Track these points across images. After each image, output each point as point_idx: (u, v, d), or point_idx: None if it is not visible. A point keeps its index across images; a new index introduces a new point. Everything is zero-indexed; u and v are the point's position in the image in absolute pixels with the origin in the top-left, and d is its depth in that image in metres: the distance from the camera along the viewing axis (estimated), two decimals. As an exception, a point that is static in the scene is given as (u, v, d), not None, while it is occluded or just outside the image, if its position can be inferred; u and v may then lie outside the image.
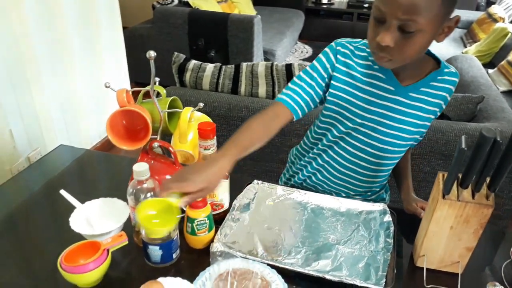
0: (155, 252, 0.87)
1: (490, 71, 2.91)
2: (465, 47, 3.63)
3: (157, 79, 1.03)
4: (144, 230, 0.86)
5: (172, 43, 3.31)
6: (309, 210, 1.06)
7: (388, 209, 1.05)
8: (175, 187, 0.78)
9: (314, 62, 1.06)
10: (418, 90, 1.00)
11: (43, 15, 2.11)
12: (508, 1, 3.74)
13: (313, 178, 1.21)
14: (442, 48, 3.46)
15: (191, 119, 1.02)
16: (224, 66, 1.96)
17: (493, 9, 3.66)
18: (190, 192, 0.78)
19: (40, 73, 2.14)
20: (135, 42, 3.35)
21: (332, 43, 1.05)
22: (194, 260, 0.93)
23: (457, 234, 0.84)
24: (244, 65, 1.94)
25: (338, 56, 1.03)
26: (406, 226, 1.02)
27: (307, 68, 1.06)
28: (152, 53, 0.91)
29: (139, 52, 3.40)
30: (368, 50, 1.01)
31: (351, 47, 1.03)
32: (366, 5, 4.69)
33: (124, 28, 2.88)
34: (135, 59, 3.20)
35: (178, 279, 0.82)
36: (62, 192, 0.99)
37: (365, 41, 1.02)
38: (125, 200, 0.98)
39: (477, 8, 4.27)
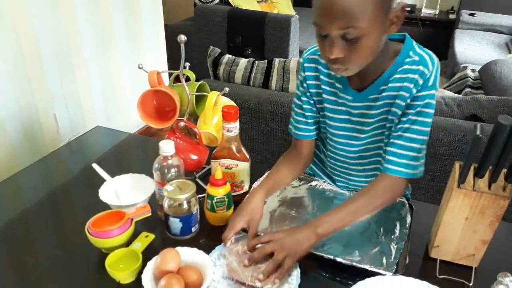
0: (176, 224, 0.93)
1: (535, 78, 2.79)
2: (510, 53, 3.49)
3: (188, 64, 1.09)
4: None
5: (211, 40, 3.40)
6: (327, 197, 1.08)
7: (406, 202, 1.05)
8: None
9: (298, 84, 1.08)
10: (378, 90, 0.94)
11: (92, 9, 2.24)
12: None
13: (336, 177, 1.22)
14: (485, 54, 3.35)
15: (217, 103, 1.07)
16: (257, 61, 2.01)
17: (543, 14, 3.50)
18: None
19: (85, 63, 2.28)
20: (174, 38, 3.46)
21: (301, 59, 1.05)
22: (212, 236, 0.97)
23: (472, 226, 0.84)
24: (276, 60, 1.98)
25: (306, 72, 1.03)
26: (424, 219, 1.02)
27: (296, 92, 1.08)
28: (182, 37, 0.97)
29: (177, 48, 3.52)
30: None
31: (316, 57, 1.01)
32: (408, 8, 4.60)
33: (165, 25, 3.00)
34: (176, 55, 3.31)
35: (195, 249, 0.86)
36: (94, 165, 1.07)
37: None
38: (153, 177, 1.04)
39: (526, 14, 4.10)
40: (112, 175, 1.07)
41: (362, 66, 0.87)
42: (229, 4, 3.57)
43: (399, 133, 0.93)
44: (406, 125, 0.92)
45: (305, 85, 1.04)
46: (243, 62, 2.02)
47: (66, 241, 0.98)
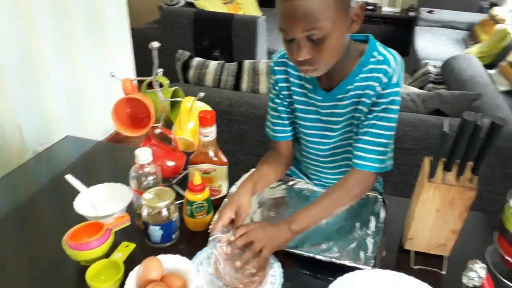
0: (156, 232, 0.92)
1: (491, 71, 2.93)
2: (467, 48, 3.65)
3: (160, 70, 1.08)
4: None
5: (177, 43, 3.37)
6: (303, 196, 1.10)
7: (379, 197, 1.09)
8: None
9: (270, 86, 1.10)
10: (345, 89, 0.97)
11: (53, 14, 2.18)
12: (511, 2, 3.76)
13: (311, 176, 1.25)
14: (444, 50, 3.49)
15: (192, 108, 1.07)
16: (227, 64, 2.01)
17: (495, 10, 3.68)
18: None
19: (49, 70, 2.21)
20: (142, 42, 3.41)
21: (271, 63, 1.07)
22: (192, 242, 0.97)
23: (443, 217, 0.88)
24: (246, 62, 1.99)
25: (277, 76, 1.05)
26: (397, 213, 1.06)
27: (270, 95, 1.10)
28: (154, 44, 0.96)
29: (146, 52, 3.47)
30: None
31: (285, 60, 1.03)
32: (370, 7, 4.72)
33: (131, 29, 2.95)
34: (142, 59, 3.27)
35: (177, 256, 0.86)
36: (68, 177, 1.04)
37: None
38: (128, 185, 1.03)
39: (480, 10, 4.29)
40: (86, 185, 1.05)
41: (330, 65, 0.90)
42: (195, 7, 3.56)
43: (366, 129, 0.96)
44: (372, 122, 0.95)
45: (277, 87, 1.06)
46: (213, 64, 2.02)
47: (39, 259, 0.95)
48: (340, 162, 1.12)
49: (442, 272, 0.90)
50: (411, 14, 4.46)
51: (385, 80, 0.92)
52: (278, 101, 1.07)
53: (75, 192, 1.02)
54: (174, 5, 3.57)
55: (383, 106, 0.94)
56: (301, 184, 1.15)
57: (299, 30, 0.82)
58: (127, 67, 2.95)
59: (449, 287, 0.88)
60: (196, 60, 2.03)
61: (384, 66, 0.93)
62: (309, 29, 0.81)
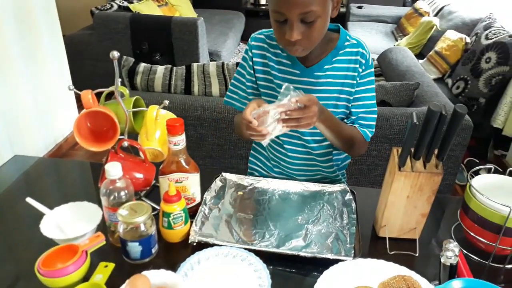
0: (135, 248, 0.89)
1: (421, 61, 3.15)
2: (396, 40, 3.89)
3: (120, 79, 1.04)
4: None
5: (114, 49, 3.21)
6: (277, 196, 1.12)
7: (348, 188, 1.13)
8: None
9: (241, 60, 1.18)
10: (322, 68, 1.08)
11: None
12: (430, -3, 4.06)
13: (274, 169, 1.27)
14: (376, 43, 3.68)
15: (157, 117, 1.04)
16: (175, 68, 1.98)
17: (418, 4, 3.95)
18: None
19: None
20: (74, 49, 3.24)
21: (250, 38, 1.15)
22: (172, 254, 0.95)
23: (413, 202, 0.94)
24: (195, 65, 1.97)
25: (253, 50, 1.13)
26: (365, 202, 1.11)
27: (238, 67, 1.18)
28: (115, 54, 0.92)
29: (79, 60, 3.31)
30: None
31: (263, 37, 1.13)
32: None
33: (63, 36, 2.79)
34: (76, 67, 3.11)
35: (162, 270, 0.84)
36: (29, 199, 0.97)
37: None
38: (94, 202, 0.99)
39: (404, 4, 4.59)
40: (48, 206, 0.99)
41: (315, 45, 1.00)
42: (130, 10, 3.44)
43: (361, 101, 1.11)
44: (362, 101, 1.11)
45: (250, 63, 1.14)
46: (160, 69, 1.97)
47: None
48: (303, 148, 1.18)
49: (416, 255, 0.96)
50: (342, 10, 4.65)
51: (363, 61, 1.07)
52: (248, 76, 1.15)
53: (35, 213, 0.96)
54: (107, 10, 3.43)
55: (367, 86, 1.11)
56: (266, 183, 1.16)
57: (296, 12, 0.90)
58: (63, 77, 2.78)
59: (423, 266, 0.93)
60: (143, 65, 1.97)
61: (360, 49, 1.08)
62: (305, 12, 0.90)
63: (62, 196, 1.16)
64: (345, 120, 1.15)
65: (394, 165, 0.91)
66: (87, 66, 3.35)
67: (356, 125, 1.12)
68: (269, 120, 0.92)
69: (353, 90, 1.10)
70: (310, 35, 0.95)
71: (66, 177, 1.30)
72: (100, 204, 0.96)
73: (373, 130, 1.15)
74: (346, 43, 1.08)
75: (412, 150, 0.89)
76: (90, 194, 1.11)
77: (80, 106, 2.98)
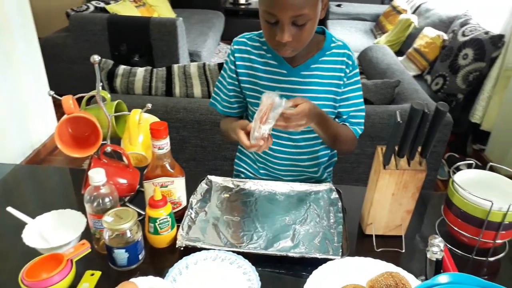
0: (121, 255, 0.87)
1: (400, 58, 3.19)
2: (376, 38, 3.93)
3: (100, 83, 1.02)
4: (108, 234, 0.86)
5: (92, 51, 3.16)
6: (263, 197, 1.12)
7: (333, 187, 1.14)
8: None
9: (224, 65, 1.18)
10: (308, 68, 1.09)
11: None
12: (407, -5, 4.12)
13: (261, 171, 1.27)
14: (356, 41, 3.72)
15: (140, 121, 1.02)
16: (155, 69, 1.95)
17: (396, 2, 4.01)
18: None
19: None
20: (50, 52, 3.18)
21: (232, 43, 1.16)
22: (160, 259, 0.94)
23: (398, 200, 0.95)
24: (175, 67, 1.95)
25: (236, 54, 1.14)
26: (351, 200, 1.11)
27: (222, 71, 1.19)
28: (96, 58, 0.90)
29: (55, 63, 3.24)
30: (261, 39, 1.12)
31: (245, 40, 1.13)
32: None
33: (38, 38, 2.72)
34: (52, 70, 3.04)
35: (150, 277, 0.83)
36: (10, 209, 0.95)
37: (258, 32, 1.12)
38: (76, 209, 0.97)
39: (382, 2, 4.65)
40: (29, 215, 0.96)
41: (303, 46, 1.02)
42: (106, 11, 3.39)
43: (350, 101, 1.14)
44: (351, 101, 1.14)
45: (232, 67, 1.15)
46: (140, 71, 1.95)
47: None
48: (290, 149, 1.19)
49: (402, 251, 0.97)
50: (321, 8, 4.68)
51: (349, 62, 1.10)
52: (229, 80, 1.16)
53: (17, 222, 0.93)
54: (83, 11, 3.37)
55: (356, 85, 1.14)
56: (253, 185, 1.16)
57: (288, 15, 0.91)
58: (40, 81, 2.72)
59: (409, 262, 0.95)
60: (122, 68, 1.95)
61: (346, 51, 1.10)
62: (297, 15, 0.91)
63: (42, 204, 1.13)
64: (336, 119, 1.17)
65: (379, 163, 0.92)
66: (64, 69, 3.28)
67: (347, 124, 1.16)
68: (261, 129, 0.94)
69: (340, 90, 1.12)
70: (300, 37, 0.96)
71: (45, 184, 1.27)
72: (83, 211, 0.94)
73: (363, 127, 1.18)
74: (332, 45, 1.10)
75: (396, 148, 0.90)
76: (71, 201, 1.09)
77: (58, 110, 2.93)
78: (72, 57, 3.23)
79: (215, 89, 1.22)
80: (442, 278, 0.68)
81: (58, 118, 2.90)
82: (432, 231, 1.04)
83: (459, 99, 2.70)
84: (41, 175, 1.33)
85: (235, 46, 1.14)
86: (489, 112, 2.68)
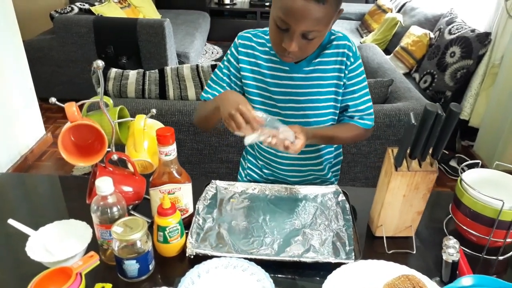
0: (132, 266, 0.85)
1: (388, 57, 3.22)
2: (362, 37, 3.96)
3: (99, 89, 0.99)
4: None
5: (78, 53, 3.13)
6: (270, 201, 1.10)
7: (340, 189, 1.13)
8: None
9: (224, 58, 1.17)
10: (310, 63, 1.09)
11: None
12: (392, -7, 4.16)
13: (265, 171, 1.26)
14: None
15: (144, 126, 1.00)
16: (148, 72, 1.92)
17: (381, 1, 4.04)
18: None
19: None
20: (35, 55, 3.10)
21: (236, 37, 1.15)
22: (170, 268, 0.91)
23: (409, 201, 0.94)
24: (168, 69, 1.92)
25: (240, 48, 1.13)
26: (358, 202, 1.11)
27: (220, 64, 1.17)
28: (99, 63, 0.88)
29: (40, 66, 3.16)
30: (266, 37, 1.11)
31: (250, 36, 1.13)
32: (267, 4, 4.86)
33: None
34: (38, 74, 2.97)
35: (163, 288, 0.80)
36: (11, 221, 0.91)
37: (264, 29, 1.12)
38: (80, 219, 0.94)
39: (367, 1, 4.68)
40: (30, 227, 0.93)
41: (306, 57, 1.04)
42: (92, 13, 3.32)
43: (357, 93, 1.12)
44: (357, 93, 1.13)
45: (235, 63, 1.13)
46: (132, 74, 1.91)
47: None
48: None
49: (413, 252, 0.97)
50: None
51: (350, 54, 1.08)
52: (226, 71, 1.15)
53: (17, 234, 0.90)
54: (67, 13, 3.29)
55: (360, 77, 1.12)
56: (261, 188, 1.14)
57: (301, 28, 0.90)
58: (25, 86, 2.64)
59: (420, 263, 0.95)
60: (114, 71, 1.90)
61: (346, 42, 1.09)
62: (310, 30, 0.91)
63: (45, 214, 1.09)
64: (344, 112, 1.16)
65: (390, 165, 0.91)
66: (49, 73, 3.20)
67: (356, 117, 1.15)
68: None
69: (341, 82, 1.10)
70: (306, 49, 0.97)
71: (35, 193, 1.21)
72: (88, 221, 0.91)
73: (373, 117, 1.18)
74: (332, 37, 1.09)
75: (408, 150, 0.90)
76: (76, 211, 1.05)
77: (44, 114, 2.85)
78: (58, 60, 3.15)
79: (211, 82, 1.18)
80: (466, 280, 0.68)
81: (45, 122, 2.83)
82: (440, 230, 1.04)
83: (447, 97, 2.74)
84: (30, 184, 1.26)
85: (240, 41, 1.13)
86: (477, 108, 2.73)
